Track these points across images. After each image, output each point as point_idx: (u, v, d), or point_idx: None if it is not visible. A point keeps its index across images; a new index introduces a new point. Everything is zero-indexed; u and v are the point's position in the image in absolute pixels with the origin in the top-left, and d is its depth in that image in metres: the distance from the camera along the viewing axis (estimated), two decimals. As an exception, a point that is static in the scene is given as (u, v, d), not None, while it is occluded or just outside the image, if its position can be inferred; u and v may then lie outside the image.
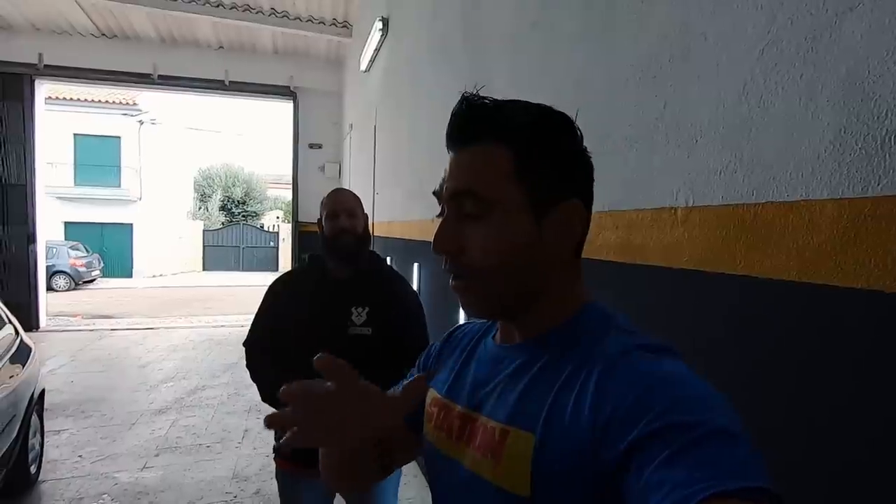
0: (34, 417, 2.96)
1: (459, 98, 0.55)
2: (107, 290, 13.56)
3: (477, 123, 0.54)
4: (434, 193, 0.58)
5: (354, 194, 1.60)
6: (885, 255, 0.70)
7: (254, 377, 1.54)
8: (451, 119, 0.55)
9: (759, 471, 0.36)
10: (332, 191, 1.58)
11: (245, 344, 1.61)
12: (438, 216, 0.57)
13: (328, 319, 1.47)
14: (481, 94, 0.54)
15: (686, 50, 1.08)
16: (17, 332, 3.03)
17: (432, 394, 0.64)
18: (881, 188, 0.72)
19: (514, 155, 0.52)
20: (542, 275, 0.54)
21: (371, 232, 4.95)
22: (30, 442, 2.85)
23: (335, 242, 1.49)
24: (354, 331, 1.45)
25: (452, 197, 0.54)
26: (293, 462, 1.53)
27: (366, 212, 1.59)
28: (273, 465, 1.63)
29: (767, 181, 0.89)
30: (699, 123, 1.04)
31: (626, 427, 0.41)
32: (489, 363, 0.59)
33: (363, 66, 5.32)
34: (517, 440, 0.49)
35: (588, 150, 0.57)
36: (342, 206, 1.51)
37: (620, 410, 0.42)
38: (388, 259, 4.20)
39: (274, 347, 1.53)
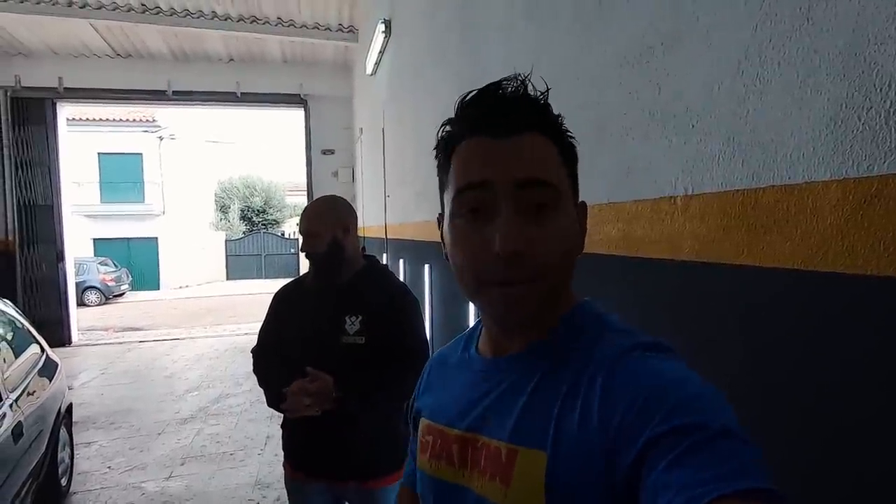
0: (62, 431, 3.04)
1: (494, 84, 0.50)
2: (136, 303, 13.93)
3: (528, 109, 0.49)
4: (467, 187, 0.49)
5: (320, 207, 1.52)
6: (894, 238, 0.65)
7: (260, 383, 1.56)
8: (489, 96, 0.49)
9: (763, 470, 0.36)
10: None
11: (252, 351, 1.63)
12: (464, 213, 0.49)
13: (321, 329, 1.46)
14: (525, 81, 0.50)
15: (678, 32, 1.03)
16: (42, 350, 3.11)
17: (424, 422, 0.61)
18: (887, 166, 0.66)
19: (557, 150, 0.50)
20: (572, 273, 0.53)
21: (385, 235, 4.93)
22: (59, 455, 2.93)
23: (308, 260, 1.51)
24: (347, 340, 1.43)
25: (523, 186, 0.47)
26: (299, 469, 1.53)
27: (343, 220, 1.49)
28: None
29: (767, 164, 0.83)
30: (694, 108, 0.99)
31: (635, 432, 0.40)
32: (481, 380, 0.55)
33: (369, 70, 5.33)
34: (527, 459, 0.46)
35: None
36: (303, 227, 1.49)
37: (629, 416, 0.41)
38: (401, 261, 4.20)
39: (277, 354, 1.54)
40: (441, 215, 0.56)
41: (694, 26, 0.98)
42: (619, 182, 1.23)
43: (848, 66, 0.71)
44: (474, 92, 0.51)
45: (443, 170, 0.54)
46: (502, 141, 0.48)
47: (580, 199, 0.54)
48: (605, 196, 1.27)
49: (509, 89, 0.49)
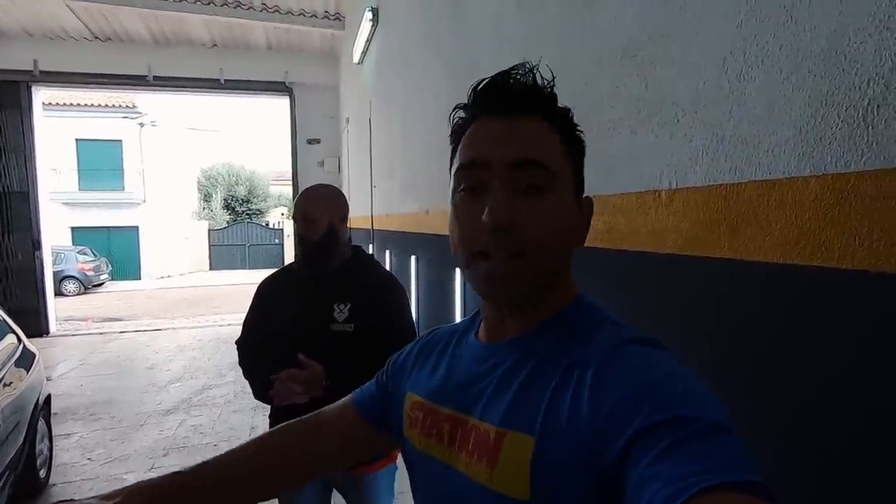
0: (41, 422, 2.99)
1: (504, 71, 0.52)
2: (116, 293, 13.67)
3: (532, 95, 0.51)
4: (465, 165, 0.51)
5: (321, 193, 1.52)
6: (869, 234, 0.67)
7: (246, 375, 1.55)
8: (497, 81, 0.52)
9: (752, 464, 0.36)
10: (300, 192, 1.55)
11: (237, 342, 1.62)
12: (462, 189, 0.51)
13: (309, 317, 1.46)
14: (533, 69, 0.52)
15: (665, 26, 1.04)
16: (19, 339, 3.04)
17: (412, 397, 0.62)
18: (864, 162, 0.68)
19: (560, 137, 0.52)
20: (569, 260, 0.54)
21: (372, 226, 4.91)
22: (37, 447, 2.87)
23: (298, 247, 1.49)
24: (336, 328, 1.44)
25: (518, 165, 0.49)
26: None
27: (340, 208, 1.51)
28: None
29: (749, 159, 0.85)
30: (680, 102, 1.00)
31: (623, 423, 0.41)
32: (476, 363, 0.56)
33: (356, 58, 5.26)
34: (515, 443, 0.47)
35: None
36: (300, 211, 1.48)
37: (619, 408, 0.42)
38: (387, 252, 4.18)
39: (263, 345, 1.53)
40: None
41: (681, 20, 0.99)
42: (604, 175, 1.24)
43: (829, 64, 0.73)
44: (487, 79, 0.52)
45: (453, 153, 0.55)
46: (503, 122, 0.50)
47: (585, 195, 0.56)
48: (589, 189, 1.28)
49: (518, 76, 0.51)
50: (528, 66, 0.52)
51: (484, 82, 0.53)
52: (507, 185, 0.49)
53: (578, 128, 0.54)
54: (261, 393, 1.45)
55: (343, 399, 0.72)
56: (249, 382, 1.53)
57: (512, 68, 0.52)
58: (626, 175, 1.17)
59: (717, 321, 0.93)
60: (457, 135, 0.55)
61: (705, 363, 0.93)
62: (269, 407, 1.59)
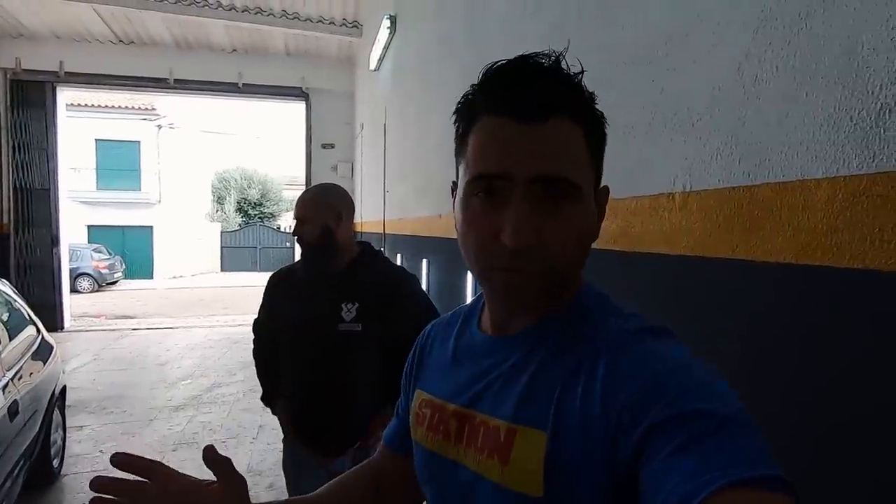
0: (56, 413, 3.05)
1: (524, 57, 0.45)
2: (129, 291, 13.86)
3: (558, 94, 0.45)
4: (482, 176, 0.46)
5: (313, 195, 1.51)
6: (881, 234, 0.69)
7: (257, 372, 1.65)
8: (515, 73, 0.46)
9: (768, 458, 0.35)
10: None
11: (254, 326, 1.70)
12: (484, 192, 0.46)
13: (317, 315, 1.46)
14: (559, 57, 0.46)
15: (681, 32, 1.06)
16: (38, 332, 3.12)
17: (421, 395, 0.60)
18: (876, 165, 0.70)
19: (584, 135, 0.47)
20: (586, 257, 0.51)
21: (384, 230, 4.94)
22: (52, 437, 2.93)
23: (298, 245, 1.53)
24: (344, 327, 1.43)
25: (538, 181, 0.44)
26: (306, 445, 1.56)
27: (335, 208, 1.49)
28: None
29: (763, 162, 0.87)
30: (696, 107, 1.02)
31: (637, 417, 0.40)
32: (482, 357, 0.54)
33: (373, 65, 5.34)
34: (527, 439, 0.46)
35: None
36: (296, 212, 1.50)
37: (631, 400, 0.41)
38: (399, 255, 4.22)
39: (273, 342, 1.59)
40: (455, 184, 0.53)
41: (697, 26, 1.02)
42: (618, 179, 1.26)
43: (842, 70, 0.75)
44: (502, 62, 0.47)
45: (461, 140, 0.50)
46: (525, 127, 0.44)
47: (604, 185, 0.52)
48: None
49: (542, 65, 0.46)
50: (553, 53, 0.46)
51: (499, 66, 0.46)
52: (528, 198, 0.44)
53: (601, 113, 0.50)
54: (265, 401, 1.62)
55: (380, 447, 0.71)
56: (259, 381, 1.64)
57: (533, 54, 0.45)
58: (641, 179, 1.19)
59: (729, 320, 0.94)
60: (465, 117, 0.49)
61: (717, 361, 0.94)
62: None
